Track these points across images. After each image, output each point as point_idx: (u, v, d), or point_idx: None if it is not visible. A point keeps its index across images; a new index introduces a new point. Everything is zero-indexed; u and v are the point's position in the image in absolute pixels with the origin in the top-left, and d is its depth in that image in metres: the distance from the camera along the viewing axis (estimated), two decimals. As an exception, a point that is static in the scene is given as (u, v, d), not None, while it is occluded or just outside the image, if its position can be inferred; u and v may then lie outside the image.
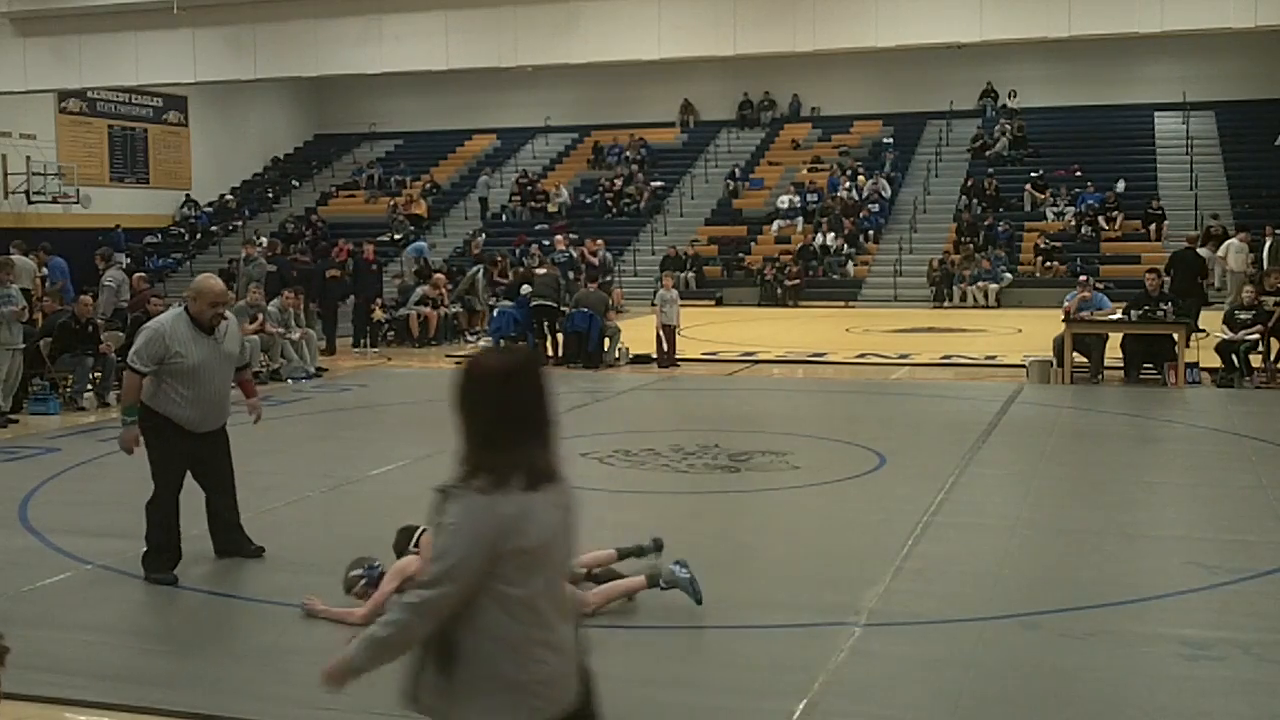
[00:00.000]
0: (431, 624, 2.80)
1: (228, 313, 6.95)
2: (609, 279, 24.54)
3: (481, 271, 22.09)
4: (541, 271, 19.45)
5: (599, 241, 27.34)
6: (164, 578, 6.62)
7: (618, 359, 17.23)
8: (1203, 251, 20.24)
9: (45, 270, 20.97)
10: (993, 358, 17.15)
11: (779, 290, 28.05)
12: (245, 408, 7.30)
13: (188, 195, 36.42)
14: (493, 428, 2.85)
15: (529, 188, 34.77)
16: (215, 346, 6.78)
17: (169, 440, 6.72)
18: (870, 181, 32.25)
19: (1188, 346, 14.73)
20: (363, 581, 6.20)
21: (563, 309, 17.52)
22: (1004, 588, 6.45)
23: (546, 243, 28.07)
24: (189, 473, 6.92)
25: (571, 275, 20.97)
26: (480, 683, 2.80)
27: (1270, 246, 20.98)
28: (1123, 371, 14.71)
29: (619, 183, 34.38)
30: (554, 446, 2.94)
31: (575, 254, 25.28)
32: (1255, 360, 14.48)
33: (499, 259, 24.50)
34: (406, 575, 5.97)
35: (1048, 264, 27.69)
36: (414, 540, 6.26)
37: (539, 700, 2.83)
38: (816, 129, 36.52)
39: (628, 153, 36.05)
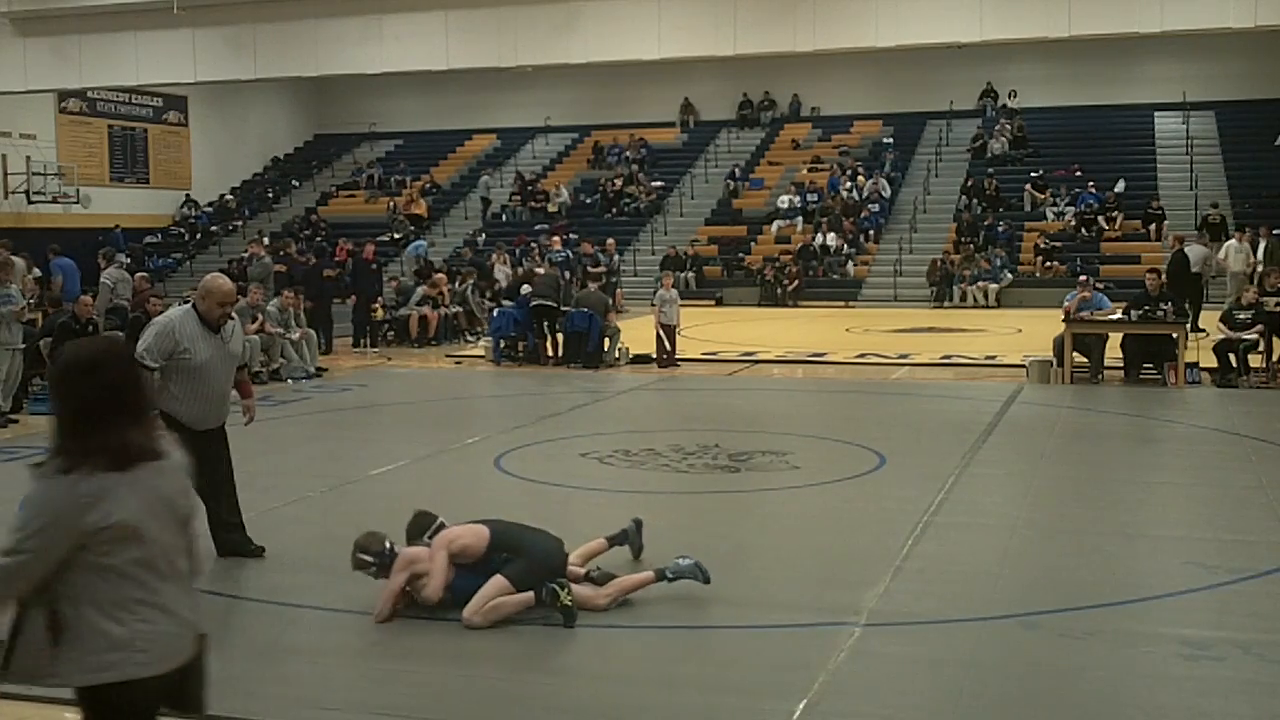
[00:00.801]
0: (12, 590, 3.02)
1: (233, 313, 6.98)
2: (614, 280, 24.54)
3: (471, 288, 22.09)
4: (541, 271, 19.44)
5: (610, 242, 27.36)
6: None
7: (618, 359, 17.23)
8: (1191, 250, 20.53)
9: (37, 271, 20.97)
10: (993, 358, 17.15)
11: (779, 290, 28.06)
12: (240, 408, 7.31)
13: (188, 195, 36.44)
14: (78, 413, 3.09)
15: (528, 188, 34.80)
16: (221, 345, 6.81)
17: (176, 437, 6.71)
18: (870, 181, 32.25)
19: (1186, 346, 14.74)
20: (373, 568, 6.06)
21: (563, 309, 17.51)
22: (1003, 587, 6.45)
23: (546, 243, 28.08)
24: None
25: (569, 275, 20.96)
26: (83, 642, 3.03)
27: (1266, 248, 21.02)
28: (1123, 371, 14.71)
29: (619, 183, 34.39)
30: (149, 428, 3.18)
31: (571, 254, 25.27)
32: (1255, 360, 14.48)
33: (496, 256, 24.42)
34: (416, 569, 5.97)
35: (1048, 264, 27.69)
36: (429, 532, 6.18)
37: (141, 656, 3.05)
38: (816, 129, 36.52)
39: (628, 153, 36.06)
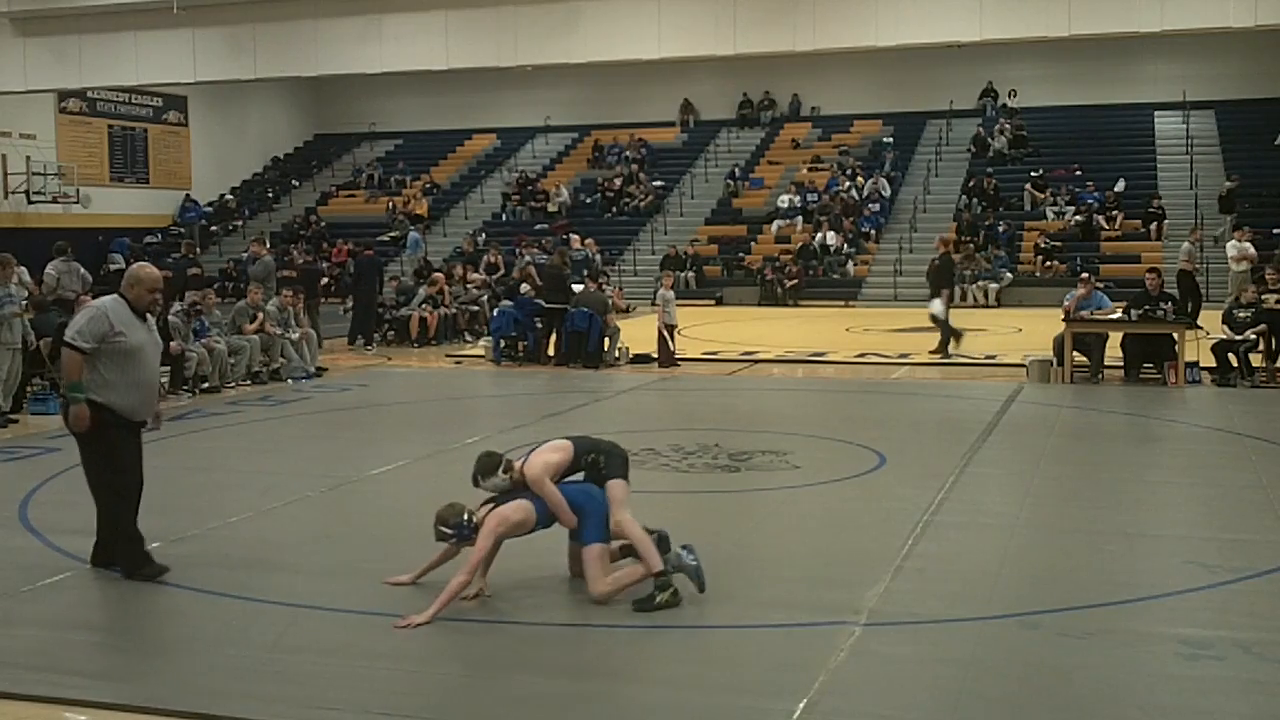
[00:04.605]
0: None
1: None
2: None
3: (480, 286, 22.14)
4: (541, 260, 19.32)
5: (587, 240, 27.47)
6: (153, 570, 6.56)
7: (618, 359, 17.23)
8: (1186, 245, 20.95)
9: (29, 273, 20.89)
10: (993, 357, 17.16)
11: (779, 290, 28.05)
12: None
13: (188, 195, 36.45)
14: None
15: (527, 188, 34.83)
16: (150, 332, 6.81)
17: (109, 430, 6.54)
18: (870, 181, 32.26)
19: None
20: (453, 538, 6.18)
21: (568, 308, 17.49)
22: (1003, 587, 6.45)
23: (545, 241, 28.10)
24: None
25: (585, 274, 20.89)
26: None
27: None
28: (1123, 371, 14.71)
29: (619, 182, 34.39)
30: None
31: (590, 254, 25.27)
32: (1255, 360, 14.48)
33: (493, 255, 24.39)
34: (509, 522, 6.08)
35: (1048, 263, 27.71)
36: (500, 468, 6.25)
37: None
38: (816, 128, 36.53)
39: (628, 152, 36.06)
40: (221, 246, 34.20)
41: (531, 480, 6.18)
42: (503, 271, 23.86)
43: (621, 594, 6.09)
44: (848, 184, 32.37)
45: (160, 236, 34.55)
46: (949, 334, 17.35)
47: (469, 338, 20.71)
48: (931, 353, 17.30)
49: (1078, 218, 29.50)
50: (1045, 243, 28.23)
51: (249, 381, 15.12)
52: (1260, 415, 12.04)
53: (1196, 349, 14.82)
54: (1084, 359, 14.73)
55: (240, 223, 35.60)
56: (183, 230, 34.80)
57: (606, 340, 17.11)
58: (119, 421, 6.62)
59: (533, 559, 6.59)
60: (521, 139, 38.69)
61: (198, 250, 27.95)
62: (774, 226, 31.61)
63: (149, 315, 6.83)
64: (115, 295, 6.83)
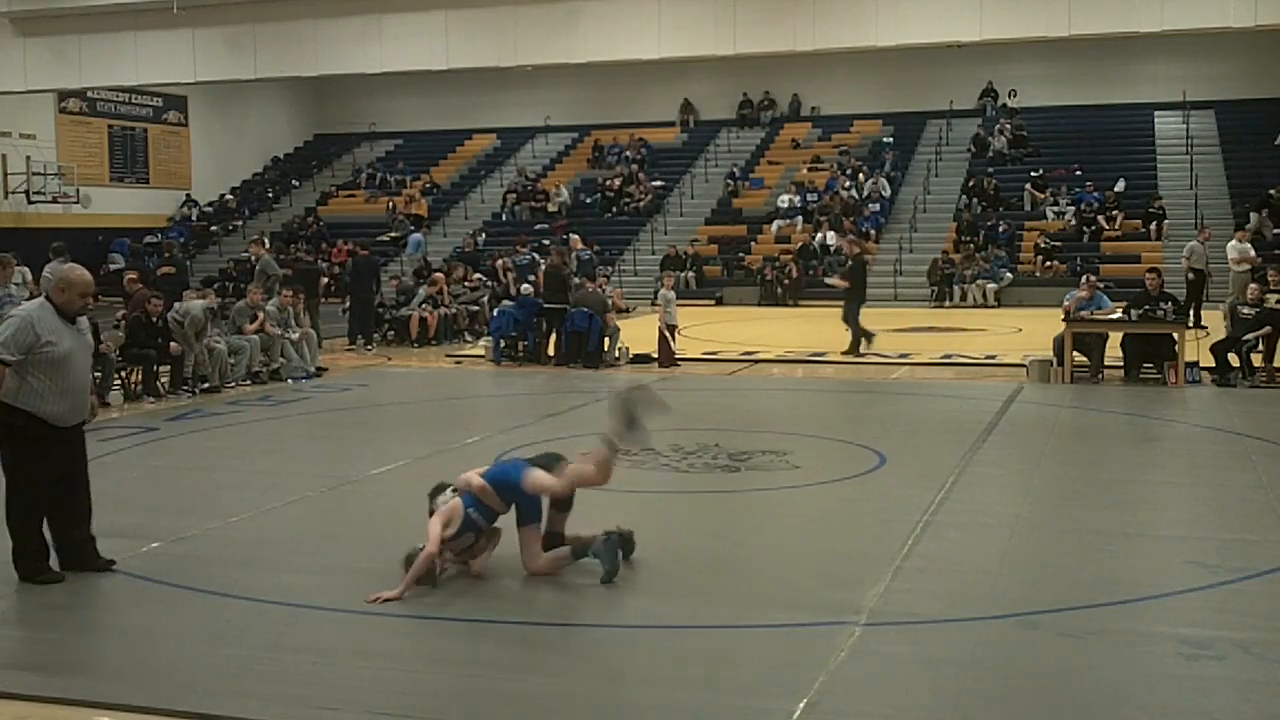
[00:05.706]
0: None
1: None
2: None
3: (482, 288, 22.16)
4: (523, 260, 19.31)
5: (575, 239, 27.52)
6: (52, 576, 6.51)
7: (618, 359, 17.23)
8: (1192, 245, 21.00)
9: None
10: (993, 357, 17.16)
11: (779, 290, 28.05)
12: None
13: (188, 195, 36.46)
14: None
15: (525, 189, 34.82)
16: (79, 336, 6.70)
17: (37, 441, 6.45)
18: (870, 181, 32.27)
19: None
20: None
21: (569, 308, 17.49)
22: (1003, 587, 6.45)
23: (546, 241, 28.08)
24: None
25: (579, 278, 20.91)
26: None
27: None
28: (1123, 371, 14.71)
29: (619, 182, 34.39)
30: None
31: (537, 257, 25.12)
32: (1256, 359, 14.47)
33: (502, 261, 24.38)
34: (444, 518, 6.48)
35: (1048, 263, 27.71)
36: (447, 488, 6.71)
37: None
38: (816, 128, 36.54)
39: (628, 152, 36.06)
40: (221, 246, 34.19)
41: (460, 482, 6.69)
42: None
43: (557, 572, 6.51)
44: (848, 184, 32.38)
45: (160, 236, 34.56)
46: (859, 335, 17.43)
47: (469, 338, 20.70)
48: (844, 353, 17.34)
49: (1073, 222, 29.52)
50: (1045, 243, 28.23)
51: (249, 381, 15.12)
52: (1260, 415, 12.04)
53: (1196, 349, 14.82)
54: (1084, 359, 14.73)
55: (240, 223, 35.60)
56: (181, 231, 34.85)
57: (606, 340, 17.11)
58: (47, 431, 6.50)
59: (533, 559, 6.59)
60: (521, 139, 38.70)
61: (184, 252, 27.95)
62: (774, 226, 31.61)
63: (79, 319, 6.71)
64: (41, 301, 6.69)
